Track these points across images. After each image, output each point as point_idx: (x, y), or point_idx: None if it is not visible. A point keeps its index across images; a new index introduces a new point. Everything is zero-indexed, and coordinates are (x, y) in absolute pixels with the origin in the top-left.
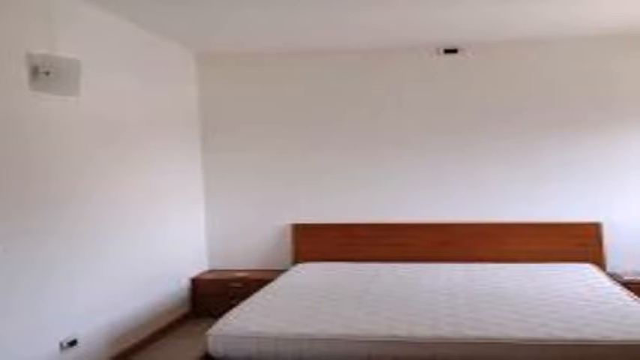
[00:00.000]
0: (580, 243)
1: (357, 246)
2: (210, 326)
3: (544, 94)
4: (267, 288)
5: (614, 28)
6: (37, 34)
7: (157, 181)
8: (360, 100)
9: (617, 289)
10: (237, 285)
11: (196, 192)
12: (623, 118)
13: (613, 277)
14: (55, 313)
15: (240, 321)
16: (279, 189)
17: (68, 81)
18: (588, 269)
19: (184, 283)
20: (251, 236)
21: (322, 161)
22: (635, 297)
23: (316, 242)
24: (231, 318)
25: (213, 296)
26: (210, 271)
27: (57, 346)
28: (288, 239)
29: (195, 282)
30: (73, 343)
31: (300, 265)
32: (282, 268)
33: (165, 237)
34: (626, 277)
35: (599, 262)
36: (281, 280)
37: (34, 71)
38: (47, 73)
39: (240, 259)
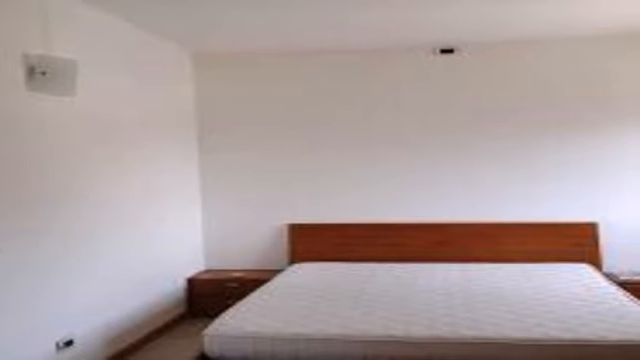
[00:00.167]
0: (576, 243)
1: (354, 246)
2: (206, 326)
3: (540, 94)
4: (263, 288)
5: (611, 28)
6: (33, 34)
7: (153, 181)
8: (356, 100)
9: (614, 289)
10: (234, 285)
11: (193, 192)
12: (619, 118)
13: (609, 277)
14: (51, 313)
15: (237, 321)
16: (276, 189)
17: (64, 81)
18: (584, 269)
19: (180, 283)
20: (247, 236)
21: (319, 161)
22: (631, 297)
23: (313, 242)
24: (227, 318)
25: (209, 296)
26: (206, 271)
27: (53, 346)
28: (284, 239)
29: (191, 282)
30: (69, 343)
31: (296, 265)
32: (278, 268)
33: (162, 237)
34: (622, 277)
35: (595, 262)
36: (277, 280)
37: (31, 71)
38: (43, 74)
39: (237, 259)
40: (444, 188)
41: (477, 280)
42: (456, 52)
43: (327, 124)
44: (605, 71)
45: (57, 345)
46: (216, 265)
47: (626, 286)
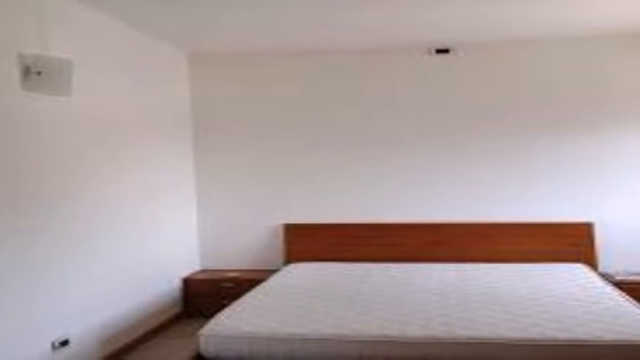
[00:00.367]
0: (572, 243)
1: (349, 246)
2: (201, 326)
3: (536, 94)
4: (259, 288)
5: (607, 28)
6: (28, 33)
7: (148, 181)
8: (352, 100)
9: (609, 289)
10: (229, 285)
11: (188, 192)
12: (615, 118)
13: (605, 277)
14: (46, 313)
15: (232, 321)
16: (271, 189)
17: (60, 81)
18: (580, 269)
19: (176, 283)
20: (243, 236)
21: (314, 161)
22: (627, 297)
23: (308, 242)
24: (222, 318)
25: (205, 296)
26: (202, 271)
27: (49, 346)
28: (280, 239)
29: (187, 282)
30: (64, 343)
31: (292, 265)
32: (274, 268)
33: (157, 237)
34: (617, 277)
35: (590, 262)
36: (273, 280)
37: (26, 71)
38: (39, 73)
39: (232, 259)
40: (440, 188)
41: (472, 280)
42: (451, 52)
43: (322, 124)
44: (600, 71)
45: (52, 345)
46: (212, 265)
47: (621, 286)
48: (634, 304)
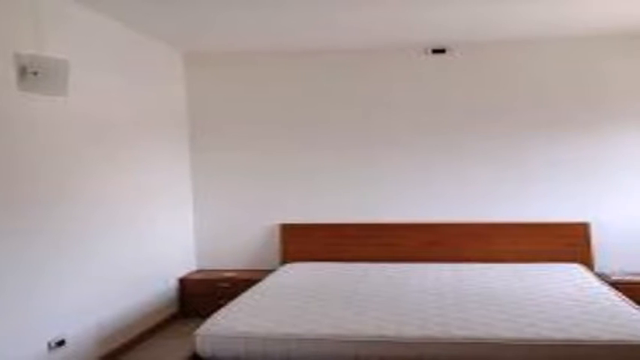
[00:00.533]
0: (568, 243)
1: (346, 246)
2: (198, 326)
3: (532, 94)
4: (255, 288)
5: (603, 28)
6: (25, 34)
7: (145, 180)
8: (349, 100)
9: (605, 289)
10: (225, 285)
11: (185, 192)
12: (611, 118)
13: (601, 277)
14: (43, 313)
15: (228, 321)
16: (268, 189)
17: (56, 81)
18: (576, 269)
19: (172, 283)
20: (239, 236)
21: (311, 161)
22: (623, 297)
23: (304, 242)
24: (219, 318)
25: (201, 296)
26: (198, 271)
27: (45, 346)
28: (276, 239)
29: (183, 282)
30: (61, 343)
31: (288, 265)
32: (270, 268)
33: (154, 237)
34: (614, 277)
35: (587, 262)
36: (269, 280)
37: (22, 71)
38: (35, 74)
39: (229, 259)
40: (436, 188)
41: (468, 280)
42: (447, 52)
43: (318, 124)
44: (596, 71)
45: (49, 345)
46: (208, 265)
47: (617, 286)
48: (630, 304)
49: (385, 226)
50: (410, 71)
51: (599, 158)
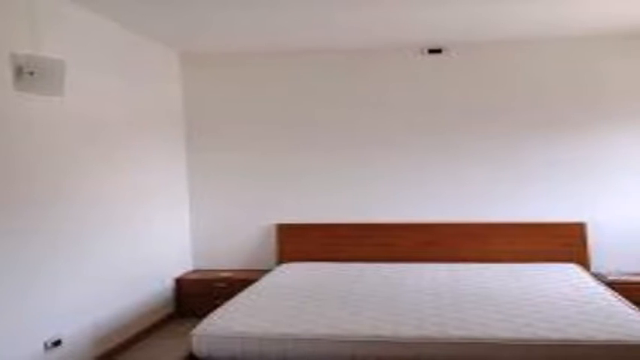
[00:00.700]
0: (564, 243)
1: (342, 246)
2: (194, 326)
3: (529, 94)
4: (251, 288)
5: (600, 28)
6: (21, 34)
7: (141, 180)
8: (345, 100)
9: (602, 289)
10: (222, 285)
11: (181, 192)
12: (607, 118)
13: (597, 277)
14: (39, 313)
15: (225, 321)
16: (264, 189)
17: (52, 81)
18: (572, 269)
19: (169, 283)
20: (235, 236)
21: (307, 161)
22: (620, 297)
23: (301, 242)
24: (215, 318)
25: (197, 296)
26: (194, 271)
27: (41, 346)
28: (272, 239)
29: (179, 282)
30: (57, 343)
31: (284, 265)
32: (266, 268)
33: (150, 237)
34: (610, 277)
35: (583, 262)
36: (265, 280)
37: (19, 71)
38: (31, 73)
39: (225, 259)
40: (432, 188)
41: (465, 280)
42: (444, 52)
43: (315, 124)
44: (594, 71)
45: (45, 345)
46: (204, 265)
47: (614, 286)
48: (626, 304)
49: (381, 226)
50: (406, 71)
51: (596, 158)
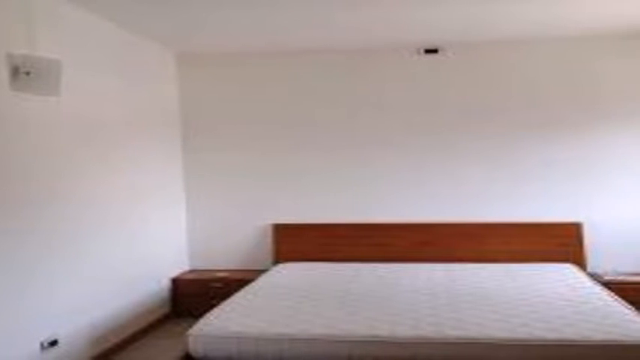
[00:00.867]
0: (561, 243)
1: (338, 246)
2: (190, 326)
3: (525, 94)
4: (247, 288)
5: (596, 28)
6: (17, 34)
7: (137, 180)
8: (341, 100)
9: (598, 289)
10: (218, 285)
11: (177, 192)
12: (604, 118)
13: (593, 277)
14: (35, 313)
15: (221, 321)
16: (260, 189)
17: (49, 81)
18: (569, 269)
19: (165, 283)
20: (232, 236)
21: (303, 161)
22: (616, 297)
23: (297, 242)
24: (211, 318)
25: (193, 296)
26: (190, 271)
27: (37, 346)
28: (268, 239)
29: (175, 282)
30: (53, 343)
31: (280, 265)
32: (262, 268)
33: (146, 237)
34: (606, 277)
35: (579, 262)
36: (262, 280)
37: (15, 71)
38: (28, 74)
39: (221, 259)
40: (429, 188)
41: (461, 280)
42: (440, 52)
43: (311, 124)
44: (589, 72)
45: (41, 345)
46: (201, 265)
47: (610, 286)
48: (622, 304)
49: (378, 226)
50: (402, 71)
51: (592, 158)
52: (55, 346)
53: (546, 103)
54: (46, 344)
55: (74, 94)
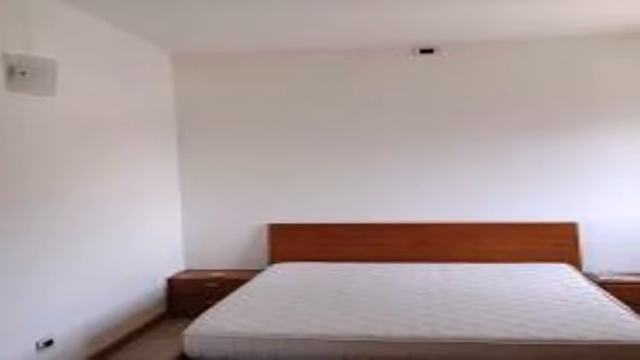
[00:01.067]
0: (556, 243)
1: (334, 246)
2: (186, 326)
3: (520, 94)
4: (243, 288)
5: (592, 28)
6: (13, 34)
7: (133, 180)
8: (337, 100)
9: (593, 289)
10: (214, 285)
11: (173, 192)
12: (599, 118)
13: (589, 277)
14: (30, 313)
15: (216, 321)
16: (256, 189)
17: (44, 81)
18: (564, 269)
19: (160, 283)
20: (227, 236)
21: (299, 161)
22: (611, 297)
23: (292, 242)
24: (207, 318)
25: (189, 296)
26: (186, 271)
27: (33, 346)
28: (264, 239)
29: (171, 282)
30: (49, 343)
31: (276, 265)
32: (258, 268)
33: (142, 237)
34: (601, 277)
35: (575, 262)
36: (257, 280)
37: (10, 71)
38: (23, 74)
39: (217, 259)
40: (424, 188)
41: (456, 280)
42: (435, 52)
43: (307, 125)
44: (585, 72)
45: (37, 345)
46: (196, 265)
47: (605, 286)
48: (618, 304)
49: (373, 226)
50: (398, 71)
51: (587, 158)
52: (51, 346)
53: (542, 103)
54: (41, 344)
55: (70, 94)
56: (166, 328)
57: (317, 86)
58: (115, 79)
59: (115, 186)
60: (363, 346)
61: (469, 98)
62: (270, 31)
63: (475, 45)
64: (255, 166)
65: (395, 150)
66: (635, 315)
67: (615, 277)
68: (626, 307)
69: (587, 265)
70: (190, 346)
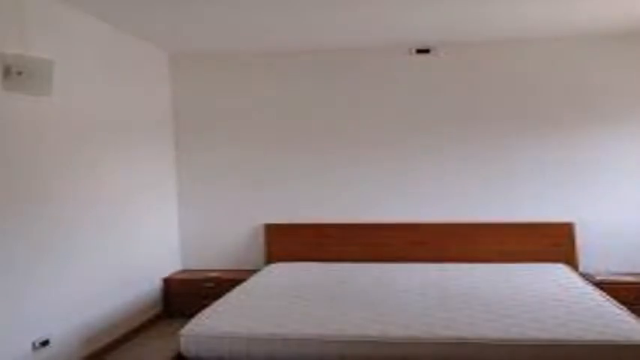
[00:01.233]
0: (553, 243)
1: (331, 246)
2: (182, 326)
3: (517, 94)
4: (239, 288)
5: (590, 29)
6: (9, 33)
7: (130, 181)
8: (333, 100)
9: (590, 289)
10: (210, 285)
11: (169, 192)
12: (596, 119)
13: (585, 277)
14: (27, 314)
15: (213, 321)
16: (253, 189)
17: (41, 81)
18: (561, 269)
19: (157, 283)
20: (224, 236)
21: (296, 161)
22: (608, 297)
23: (289, 242)
24: (203, 318)
25: (185, 296)
26: (182, 271)
27: (29, 346)
28: (261, 239)
29: (167, 282)
30: (45, 343)
31: (272, 265)
32: (254, 268)
33: (138, 237)
34: (598, 277)
35: (571, 262)
36: (254, 280)
37: (7, 71)
38: (20, 73)
39: (213, 259)
40: (421, 188)
41: (453, 280)
42: (432, 52)
43: (303, 125)
44: (583, 72)
45: (33, 345)
46: (193, 265)
47: (602, 286)
48: (614, 304)
49: (370, 226)
50: (394, 71)
51: (585, 158)
52: (47, 346)
53: (539, 103)
54: (37, 344)
55: (66, 94)
56: (163, 328)
57: (314, 86)
58: (112, 80)
59: (111, 186)
60: (359, 346)
61: (466, 98)
62: (267, 32)
63: (472, 45)
64: (251, 166)
65: (392, 150)
66: (632, 315)
67: (612, 277)
68: (622, 307)
69: (583, 265)
70: (187, 346)
